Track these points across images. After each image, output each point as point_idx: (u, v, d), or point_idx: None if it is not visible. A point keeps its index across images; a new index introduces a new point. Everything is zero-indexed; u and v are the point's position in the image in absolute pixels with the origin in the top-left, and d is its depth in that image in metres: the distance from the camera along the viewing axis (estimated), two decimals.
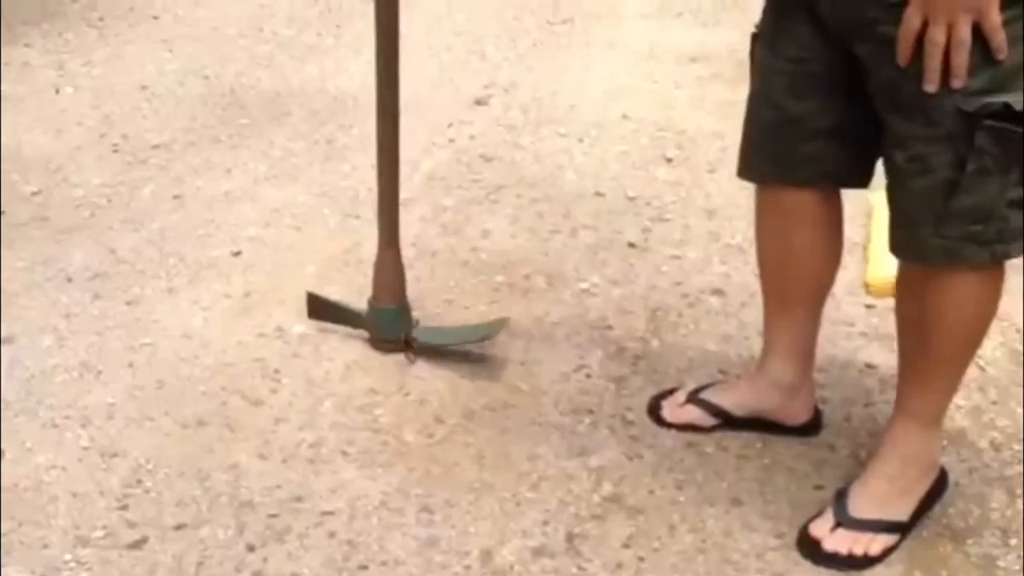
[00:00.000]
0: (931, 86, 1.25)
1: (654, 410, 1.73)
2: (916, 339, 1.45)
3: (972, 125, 1.25)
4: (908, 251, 1.40)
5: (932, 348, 1.43)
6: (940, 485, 1.56)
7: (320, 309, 1.92)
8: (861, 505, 1.49)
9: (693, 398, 1.71)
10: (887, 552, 1.48)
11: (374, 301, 1.85)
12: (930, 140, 1.29)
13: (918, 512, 1.52)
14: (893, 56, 1.27)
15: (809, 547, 1.49)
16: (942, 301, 1.39)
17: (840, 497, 1.51)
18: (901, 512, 1.50)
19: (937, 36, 1.22)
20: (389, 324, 1.85)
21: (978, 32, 1.21)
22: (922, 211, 1.33)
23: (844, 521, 1.49)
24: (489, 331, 1.87)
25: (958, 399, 1.74)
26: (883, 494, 1.50)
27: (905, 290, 1.45)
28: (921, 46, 1.24)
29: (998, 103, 1.24)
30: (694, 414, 1.70)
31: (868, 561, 1.47)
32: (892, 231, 1.41)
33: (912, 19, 1.23)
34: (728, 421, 1.69)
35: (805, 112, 1.44)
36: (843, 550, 1.47)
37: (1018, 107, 1.25)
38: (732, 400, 1.69)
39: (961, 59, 1.22)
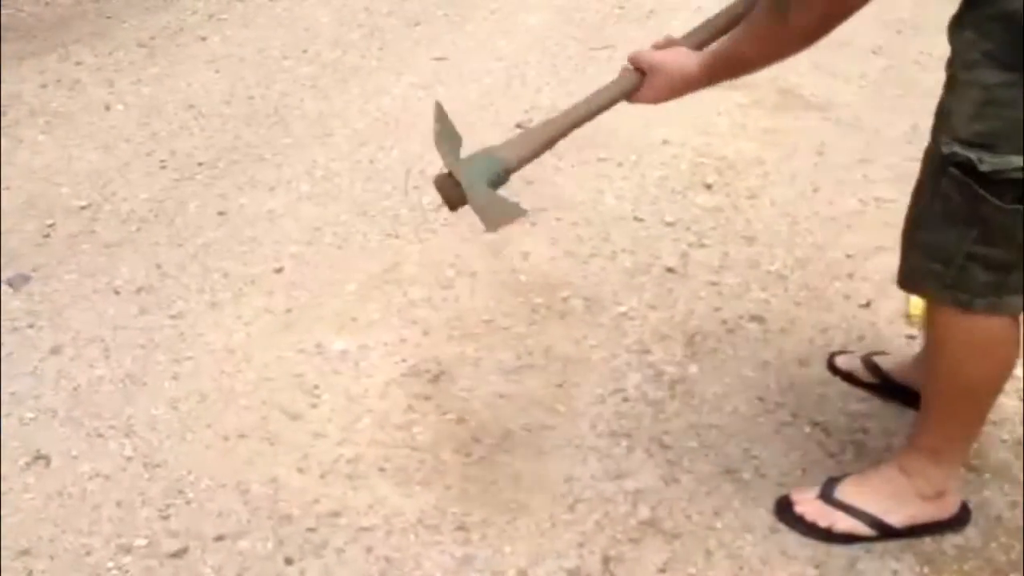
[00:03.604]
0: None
1: (831, 361, 1.87)
2: (925, 372, 1.52)
3: (943, 167, 1.31)
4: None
5: (932, 382, 1.49)
6: (953, 515, 1.56)
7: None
8: (847, 491, 1.56)
9: (866, 359, 1.83)
10: (851, 537, 1.53)
11: None
12: (927, 172, 1.37)
13: (914, 529, 1.54)
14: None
15: (782, 506, 1.58)
16: (943, 338, 1.43)
17: (832, 480, 1.58)
18: (884, 510, 1.54)
19: None
20: None
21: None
22: (904, 235, 1.43)
23: (826, 497, 1.56)
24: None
25: (1001, 433, 1.73)
26: (871, 488, 1.55)
27: (926, 320, 1.53)
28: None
29: (963, 155, 1.27)
30: (857, 367, 1.83)
31: (828, 535, 1.53)
32: None
33: None
34: (886, 385, 1.79)
35: None
36: (809, 516, 1.55)
37: (983, 168, 1.26)
38: (898, 367, 1.78)
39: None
